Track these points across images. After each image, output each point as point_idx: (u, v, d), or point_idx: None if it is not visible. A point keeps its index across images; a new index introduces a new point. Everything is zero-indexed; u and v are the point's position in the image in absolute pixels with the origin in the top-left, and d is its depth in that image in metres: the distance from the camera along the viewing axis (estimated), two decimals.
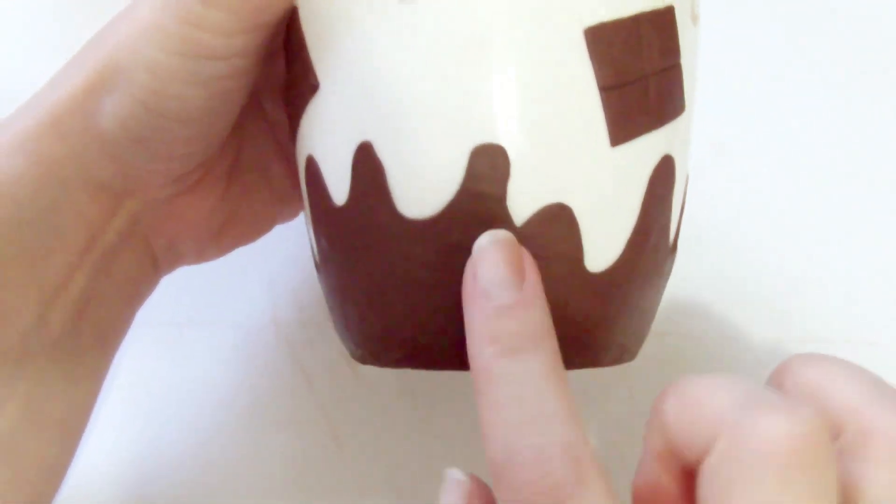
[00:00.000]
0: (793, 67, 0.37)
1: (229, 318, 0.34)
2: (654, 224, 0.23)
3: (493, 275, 0.20)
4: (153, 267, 0.27)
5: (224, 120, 0.25)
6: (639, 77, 0.21)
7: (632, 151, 0.22)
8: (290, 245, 0.34)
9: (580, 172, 0.21)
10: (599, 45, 0.21)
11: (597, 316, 0.23)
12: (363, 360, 0.24)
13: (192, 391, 0.33)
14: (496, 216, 0.21)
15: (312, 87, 0.23)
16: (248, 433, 0.33)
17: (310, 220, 0.24)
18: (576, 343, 0.22)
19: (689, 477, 0.20)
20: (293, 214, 0.31)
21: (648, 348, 0.34)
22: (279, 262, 0.35)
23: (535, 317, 0.20)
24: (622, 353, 0.24)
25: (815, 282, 0.34)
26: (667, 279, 0.25)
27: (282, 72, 0.27)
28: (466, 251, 0.21)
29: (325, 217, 0.23)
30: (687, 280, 0.33)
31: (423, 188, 0.21)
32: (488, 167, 0.21)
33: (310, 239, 0.25)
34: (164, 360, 0.34)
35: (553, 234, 0.21)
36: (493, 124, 0.21)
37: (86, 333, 0.26)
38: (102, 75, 0.23)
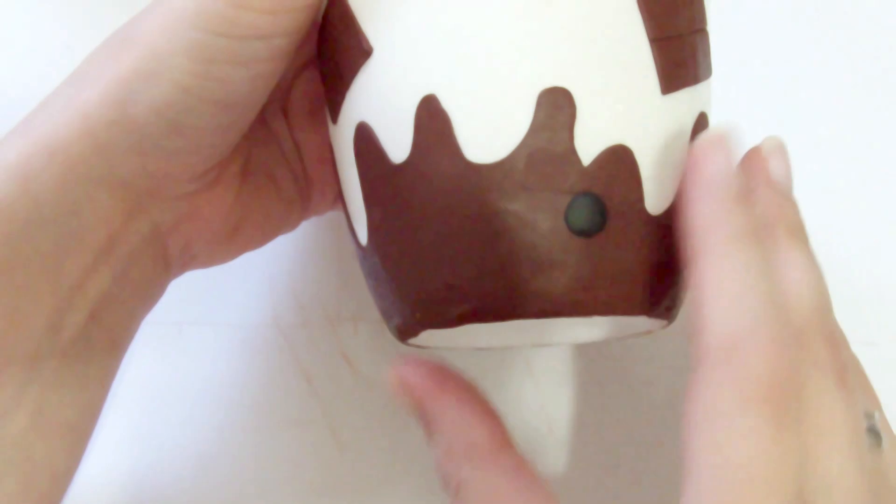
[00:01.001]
0: (794, 67, 0.37)
1: (229, 318, 0.34)
2: None
3: (719, 166, 0.23)
4: (165, 269, 0.27)
5: (256, 106, 0.25)
6: (678, 34, 0.23)
7: (678, 101, 0.23)
8: (290, 245, 0.34)
9: (638, 115, 0.23)
10: (647, 1, 0.23)
11: (658, 259, 0.23)
12: (420, 325, 0.24)
13: (191, 391, 0.33)
14: (564, 156, 0.22)
15: (365, 53, 0.23)
16: (248, 433, 0.33)
17: (357, 194, 0.25)
18: (640, 287, 0.23)
19: None
20: (296, 222, 0.31)
21: (648, 349, 0.34)
22: (279, 262, 0.34)
23: (791, 208, 0.23)
24: (671, 307, 0.25)
25: None
26: None
27: (281, 81, 0.27)
28: (536, 191, 0.22)
29: (382, 180, 0.24)
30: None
31: (491, 133, 0.22)
32: (555, 109, 0.22)
33: (351, 219, 0.26)
34: (163, 359, 0.34)
35: (617, 173, 0.22)
36: (559, 69, 0.22)
37: (98, 338, 0.25)
38: (138, 66, 0.23)
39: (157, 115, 0.24)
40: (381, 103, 0.23)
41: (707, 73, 0.25)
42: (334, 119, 0.25)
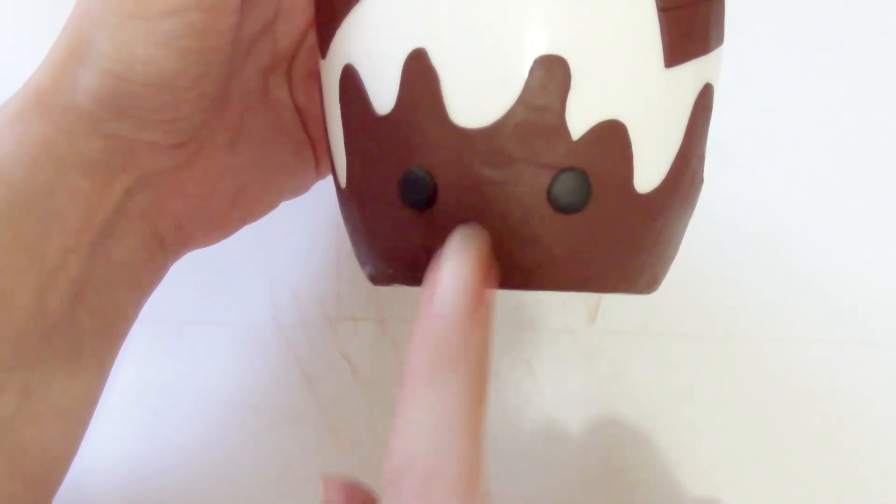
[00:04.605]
0: (796, 65, 0.37)
1: (229, 318, 0.34)
2: (694, 151, 0.23)
3: (453, 295, 0.20)
4: (160, 250, 0.27)
5: (204, 84, 0.25)
6: (690, 1, 0.22)
7: (682, 75, 0.22)
8: (290, 245, 0.34)
9: (636, 90, 0.22)
10: None
11: (639, 238, 0.23)
12: (392, 279, 0.24)
13: (191, 390, 0.33)
14: (553, 128, 0.21)
15: None
16: (248, 432, 0.33)
17: (339, 136, 0.24)
18: (617, 266, 0.23)
19: None
20: (302, 189, 0.30)
21: (647, 349, 0.34)
22: (279, 262, 0.34)
23: (479, 342, 0.20)
24: (652, 282, 0.24)
25: (816, 283, 0.34)
26: (693, 211, 0.25)
27: (284, 50, 0.27)
28: (520, 162, 0.21)
29: (364, 128, 0.23)
30: (687, 281, 0.33)
31: (479, 98, 0.21)
32: (549, 79, 0.21)
33: (333, 159, 0.25)
34: (163, 359, 0.34)
35: (607, 150, 0.21)
36: (557, 36, 0.21)
37: (85, 320, 0.25)
38: (73, 51, 0.24)
39: (97, 100, 0.24)
40: (369, 49, 0.22)
41: (718, 41, 0.24)
42: (323, 54, 0.24)
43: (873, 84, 0.36)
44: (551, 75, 0.21)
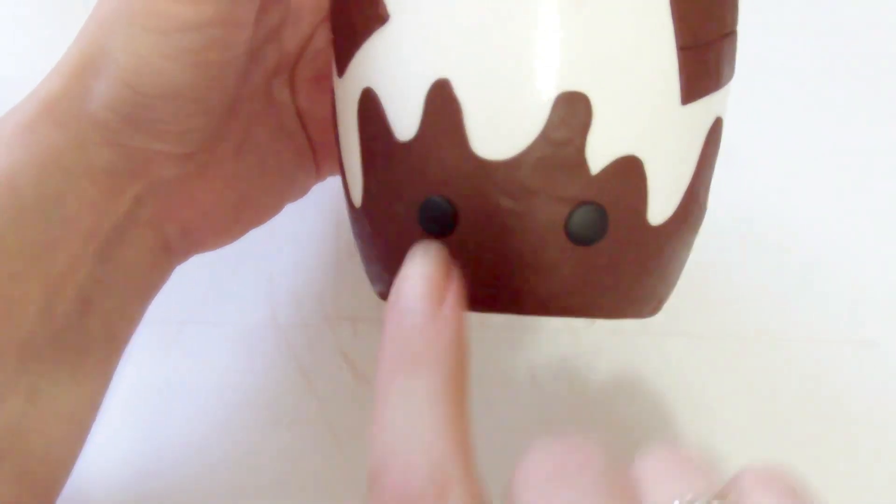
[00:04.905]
0: (797, 64, 0.37)
1: (229, 317, 0.34)
2: (703, 182, 0.24)
3: (413, 294, 0.21)
4: (165, 256, 0.27)
5: (216, 95, 0.25)
6: (710, 40, 0.22)
7: (696, 111, 0.23)
8: (289, 245, 0.34)
9: (654, 127, 0.22)
10: (682, 6, 0.22)
11: (649, 267, 0.23)
12: None
13: (191, 390, 0.33)
14: (573, 163, 0.22)
15: (381, 19, 0.22)
16: (248, 432, 0.33)
17: (355, 156, 0.24)
18: (627, 294, 0.23)
19: None
20: (302, 192, 0.31)
21: (647, 349, 0.34)
22: (279, 262, 0.34)
23: (444, 339, 0.20)
24: (658, 305, 0.25)
25: (816, 283, 0.34)
26: (696, 235, 0.26)
27: (289, 53, 0.27)
28: (540, 195, 0.22)
29: (384, 153, 0.23)
30: (687, 280, 0.33)
31: (502, 130, 0.22)
32: (571, 114, 0.21)
33: (347, 177, 0.25)
34: (163, 359, 0.34)
35: (624, 184, 0.22)
36: (580, 73, 0.21)
37: (92, 325, 0.25)
38: (87, 60, 0.24)
39: (112, 110, 0.24)
40: (391, 76, 0.23)
41: (729, 76, 0.24)
42: (340, 72, 0.25)
43: (876, 86, 0.36)
44: (573, 111, 0.21)
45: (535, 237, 0.22)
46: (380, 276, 0.25)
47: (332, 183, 0.35)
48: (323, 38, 0.29)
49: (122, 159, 0.25)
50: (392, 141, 0.23)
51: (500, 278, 0.22)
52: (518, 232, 0.22)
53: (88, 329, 0.25)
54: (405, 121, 0.22)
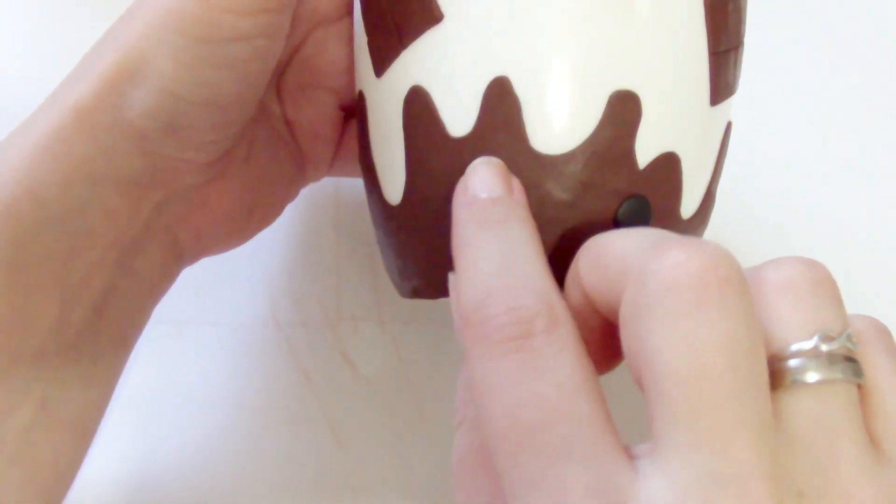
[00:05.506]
0: (799, 63, 0.37)
1: (229, 317, 0.34)
2: (717, 178, 0.26)
3: (483, 183, 0.22)
4: (176, 260, 0.27)
5: (250, 103, 0.25)
6: (731, 47, 0.24)
7: (719, 112, 0.25)
8: (289, 245, 0.34)
9: (689, 125, 0.24)
10: (714, 14, 0.23)
11: None
12: (443, 293, 0.24)
13: (191, 390, 0.33)
14: (624, 158, 0.23)
15: (435, 18, 0.23)
16: (248, 432, 0.33)
17: (397, 154, 0.25)
18: None
19: (612, 330, 0.21)
20: (294, 195, 0.31)
21: None
22: (278, 262, 0.35)
23: (523, 209, 0.22)
24: None
25: None
26: None
27: (280, 62, 0.27)
28: (592, 188, 0.23)
29: (435, 148, 0.24)
30: None
31: (559, 126, 0.23)
32: (623, 112, 0.23)
33: (379, 175, 0.26)
34: (163, 359, 0.34)
35: (664, 179, 0.24)
36: (632, 73, 0.23)
37: (104, 334, 0.25)
38: (126, 68, 0.23)
39: (151, 118, 0.24)
40: (444, 74, 0.23)
41: (738, 84, 0.26)
42: (378, 73, 0.25)
43: (877, 86, 0.36)
44: (625, 109, 0.23)
45: (586, 228, 0.23)
46: (417, 272, 0.25)
47: (333, 183, 0.36)
48: (312, 47, 0.29)
49: (149, 168, 0.25)
50: (444, 136, 0.23)
51: (552, 269, 0.23)
52: (570, 222, 0.23)
53: (100, 335, 0.25)
54: (460, 116, 0.23)
